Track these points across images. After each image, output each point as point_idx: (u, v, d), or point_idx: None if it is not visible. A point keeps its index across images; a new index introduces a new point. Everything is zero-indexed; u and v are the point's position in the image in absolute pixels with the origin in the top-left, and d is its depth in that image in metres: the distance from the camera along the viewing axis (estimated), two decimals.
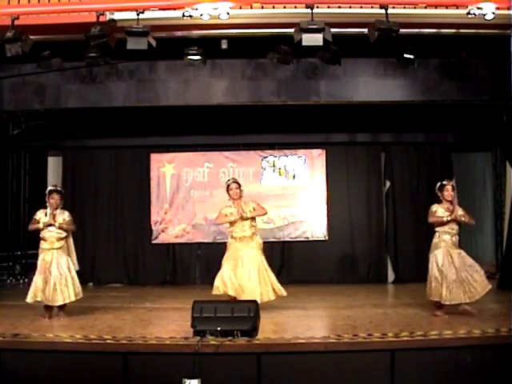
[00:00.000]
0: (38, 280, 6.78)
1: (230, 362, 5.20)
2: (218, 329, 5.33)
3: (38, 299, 6.78)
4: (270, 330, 5.88)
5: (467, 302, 6.51)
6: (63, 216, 6.94)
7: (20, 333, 5.79)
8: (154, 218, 10.60)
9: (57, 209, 6.93)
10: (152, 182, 10.67)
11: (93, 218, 10.58)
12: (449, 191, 6.66)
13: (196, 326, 5.45)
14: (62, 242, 6.92)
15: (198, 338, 5.30)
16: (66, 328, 6.18)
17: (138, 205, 10.67)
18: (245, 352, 5.25)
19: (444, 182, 6.77)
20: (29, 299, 6.80)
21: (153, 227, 10.61)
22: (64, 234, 6.93)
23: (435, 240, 6.66)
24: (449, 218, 6.60)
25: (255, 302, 5.87)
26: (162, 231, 10.62)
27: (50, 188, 7.12)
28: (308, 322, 6.54)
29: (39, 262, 6.89)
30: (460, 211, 6.65)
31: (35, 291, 6.76)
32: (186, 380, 5.04)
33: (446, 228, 6.59)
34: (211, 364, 5.13)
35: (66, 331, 5.91)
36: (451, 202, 6.69)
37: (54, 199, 6.92)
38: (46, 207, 6.98)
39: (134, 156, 10.78)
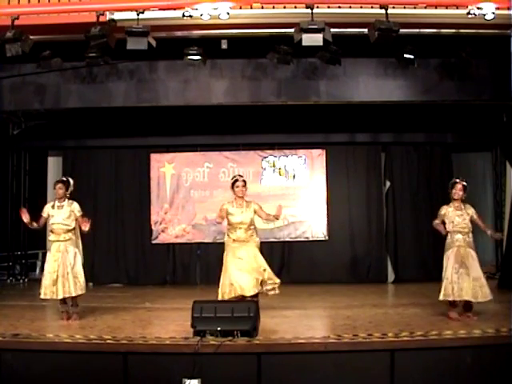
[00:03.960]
0: (46, 276, 6.66)
1: (230, 362, 5.19)
2: (218, 329, 5.33)
3: (48, 297, 6.66)
4: (269, 330, 5.88)
5: (471, 300, 6.42)
6: (71, 207, 6.81)
7: (20, 333, 5.79)
8: (154, 217, 10.61)
9: (62, 199, 6.83)
10: (152, 182, 10.67)
11: (93, 218, 10.50)
12: (456, 189, 6.56)
13: (196, 325, 5.44)
14: (70, 234, 6.77)
15: (198, 338, 5.29)
16: (66, 328, 6.17)
17: (138, 205, 10.68)
18: (245, 352, 5.24)
19: (456, 180, 6.65)
20: (42, 295, 6.68)
21: (153, 227, 10.62)
22: (72, 226, 6.79)
23: (448, 240, 6.55)
24: (443, 233, 6.53)
25: (255, 301, 5.87)
26: (162, 231, 10.63)
27: (57, 179, 7.11)
28: (308, 322, 6.54)
29: (47, 256, 6.78)
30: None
31: (45, 288, 6.64)
32: (185, 380, 5.04)
33: (457, 228, 6.48)
34: (211, 364, 5.13)
35: (66, 331, 5.91)
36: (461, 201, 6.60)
37: (61, 189, 6.84)
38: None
39: (134, 156, 10.80)
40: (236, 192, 6.87)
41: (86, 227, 6.70)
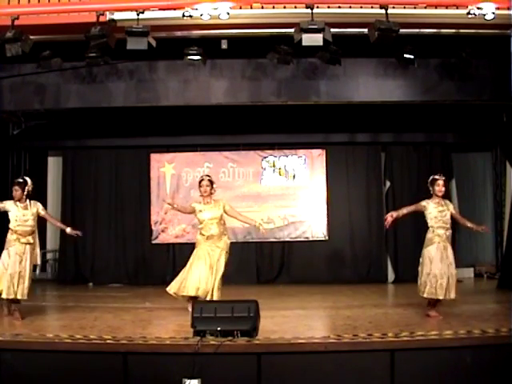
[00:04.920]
0: (9, 276, 6.54)
1: (230, 362, 5.19)
2: (218, 329, 5.32)
3: (11, 297, 6.54)
4: (269, 330, 5.87)
5: (440, 298, 6.51)
6: (36, 208, 6.74)
7: (20, 333, 5.79)
8: (154, 218, 10.61)
9: (22, 200, 6.69)
10: (152, 182, 10.68)
11: (93, 217, 10.58)
12: (440, 186, 6.60)
13: (196, 325, 5.44)
14: (34, 236, 6.73)
15: (198, 338, 5.29)
16: (66, 328, 6.17)
17: (137, 205, 10.68)
18: (245, 352, 5.24)
19: (436, 177, 6.68)
20: (5, 295, 6.56)
21: (153, 227, 10.62)
22: (35, 228, 6.74)
23: (429, 235, 6.59)
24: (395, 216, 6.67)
25: (255, 301, 5.86)
26: (162, 231, 10.63)
27: (15, 180, 6.91)
28: (308, 322, 6.54)
29: (13, 255, 6.59)
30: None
31: (8, 288, 6.53)
32: (185, 380, 5.04)
33: (440, 223, 6.56)
34: (211, 364, 5.12)
35: (66, 331, 5.90)
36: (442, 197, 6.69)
37: (16, 191, 6.68)
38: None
39: (134, 156, 10.80)
40: (200, 191, 7.03)
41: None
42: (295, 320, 6.67)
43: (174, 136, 10.30)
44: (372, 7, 6.41)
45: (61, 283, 10.33)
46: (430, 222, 6.59)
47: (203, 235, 7.03)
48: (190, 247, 10.53)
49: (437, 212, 6.56)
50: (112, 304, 7.92)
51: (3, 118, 9.52)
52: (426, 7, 6.49)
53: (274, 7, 6.61)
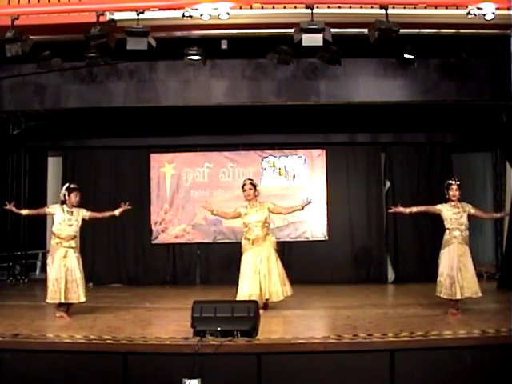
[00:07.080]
0: (54, 281, 6.74)
1: (230, 362, 5.20)
2: (218, 329, 5.33)
3: (57, 301, 6.76)
4: (270, 330, 5.88)
5: (472, 296, 6.62)
6: (81, 214, 6.90)
7: (20, 333, 5.79)
8: (154, 218, 10.61)
9: (68, 205, 6.86)
10: (152, 182, 10.67)
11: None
12: (453, 190, 6.74)
13: (196, 326, 5.45)
14: (77, 241, 6.89)
15: (198, 338, 5.30)
16: (66, 328, 6.18)
17: (138, 205, 10.64)
18: (245, 352, 5.25)
19: (450, 182, 6.84)
20: (49, 300, 6.78)
21: (153, 227, 10.62)
22: (78, 232, 6.90)
23: (446, 237, 6.72)
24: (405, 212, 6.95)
25: (255, 301, 5.87)
26: (162, 231, 10.63)
27: (72, 185, 7.02)
28: (308, 322, 6.54)
29: (56, 261, 6.78)
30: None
31: (54, 293, 6.73)
32: (185, 380, 5.05)
33: (455, 224, 6.67)
34: (211, 364, 5.13)
35: (66, 331, 5.91)
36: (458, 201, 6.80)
37: (77, 197, 6.86)
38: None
39: (134, 156, 10.80)
40: (244, 196, 7.19)
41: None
42: (295, 320, 6.68)
43: (174, 136, 10.29)
44: (372, 7, 6.41)
45: None
46: (447, 225, 6.74)
47: (248, 239, 7.12)
48: (190, 247, 10.66)
49: (451, 214, 6.71)
50: (112, 304, 7.92)
51: (3, 118, 9.51)
52: (426, 7, 6.50)
53: (274, 7, 6.61)
